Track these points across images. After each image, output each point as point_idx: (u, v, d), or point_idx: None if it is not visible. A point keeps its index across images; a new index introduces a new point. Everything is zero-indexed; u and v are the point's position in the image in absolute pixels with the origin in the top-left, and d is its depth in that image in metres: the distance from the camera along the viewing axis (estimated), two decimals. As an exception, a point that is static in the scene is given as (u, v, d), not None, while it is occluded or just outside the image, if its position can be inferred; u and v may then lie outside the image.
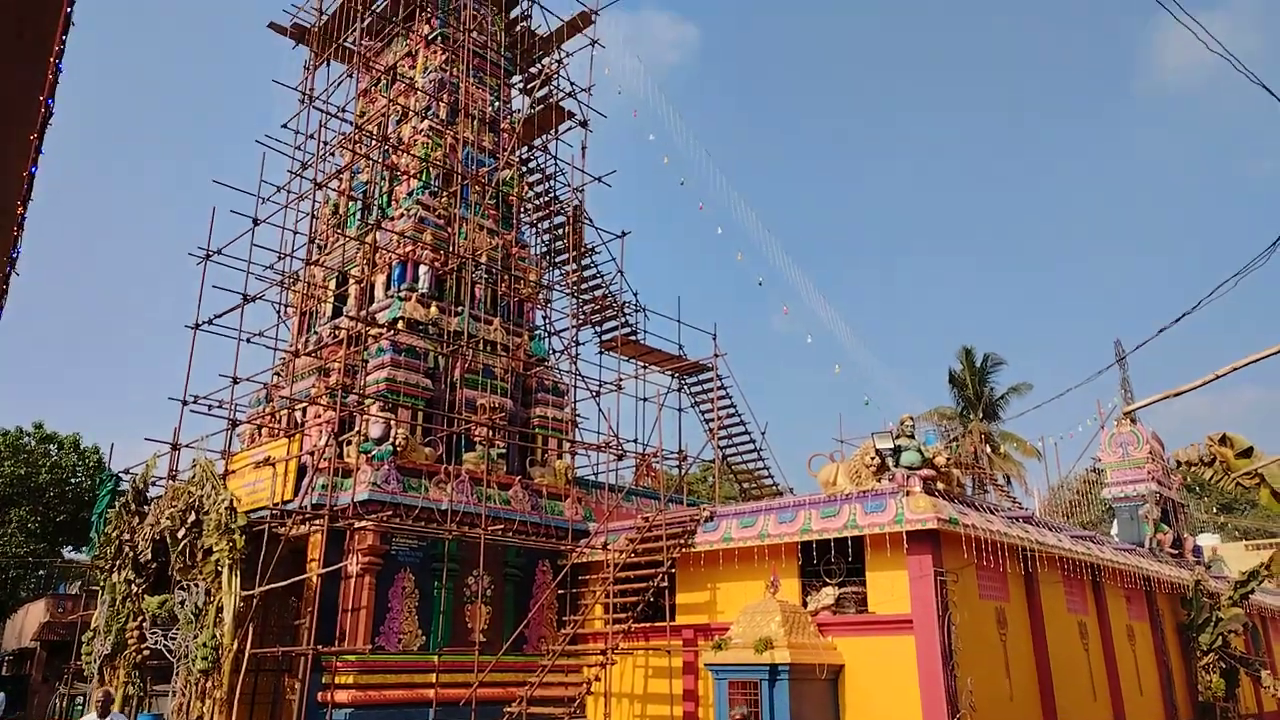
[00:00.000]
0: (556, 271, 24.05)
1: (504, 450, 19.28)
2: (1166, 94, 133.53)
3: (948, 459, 16.89)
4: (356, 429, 17.47)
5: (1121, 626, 20.29)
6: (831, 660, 14.92)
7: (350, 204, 22.60)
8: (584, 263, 23.45)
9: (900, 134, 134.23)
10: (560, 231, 23.89)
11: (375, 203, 22.07)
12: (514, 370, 20.14)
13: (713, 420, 23.08)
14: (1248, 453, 12.47)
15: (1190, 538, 27.09)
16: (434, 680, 15.38)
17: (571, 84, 23.92)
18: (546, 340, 22.84)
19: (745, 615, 15.15)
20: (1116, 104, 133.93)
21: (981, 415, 44.51)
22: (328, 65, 24.17)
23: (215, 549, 15.24)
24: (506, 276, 20.86)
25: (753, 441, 24.14)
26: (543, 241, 24.26)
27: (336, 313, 20.70)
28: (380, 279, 20.33)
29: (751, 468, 24.66)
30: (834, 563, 15.75)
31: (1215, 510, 44.54)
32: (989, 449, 38.51)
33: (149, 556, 17.11)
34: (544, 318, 23.24)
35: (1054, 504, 27.44)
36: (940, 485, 15.88)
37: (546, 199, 24.09)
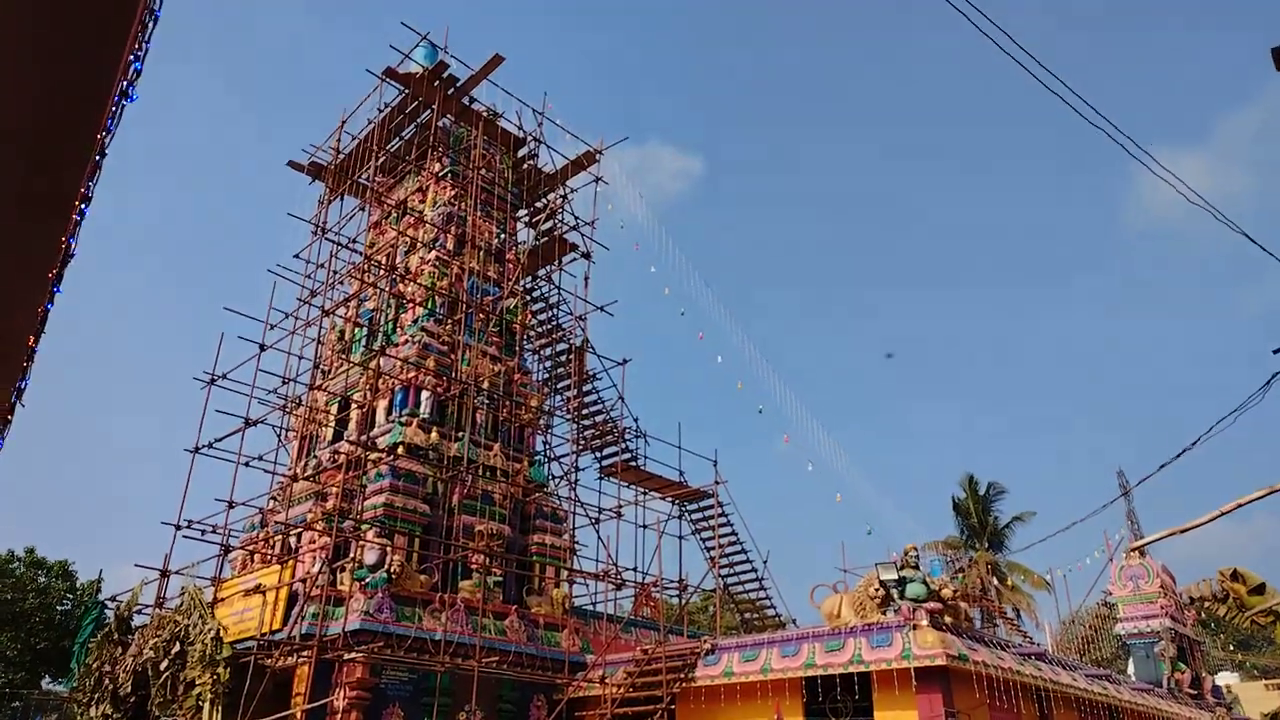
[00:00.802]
0: (558, 397, 24.24)
1: (501, 579, 18.90)
2: (1163, 226, 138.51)
3: (954, 591, 16.53)
4: (352, 555, 17.20)
5: (1146, 772, 19.31)
6: (840, 808, 14.15)
7: (356, 331, 23.01)
8: (585, 389, 23.67)
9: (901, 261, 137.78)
10: (562, 358, 24.22)
11: (381, 329, 22.48)
12: (513, 496, 19.99)
13: (713, 548, 22.72)
14: (1260, 589, 12.23)
15: (1209, 676, 26.11)
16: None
17: (575, 218, 24.83)
18: (546, 466, 22.77)
19: (748, 757, 14.47)
20: (1113, 241, 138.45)
21: (987, 545, 43.70)
22: (341, 200, 25.15)
23: (198, 682, 14.73)
24: (508, 402, 21.02)
25: (754, 570, 23.69)
26: (545, 368, 24.58)
27: (337, 437, 20.74)
28: (382, 404, 20.47)
29: (753, 597, 24.09)
30: (840, 699, 15.16)
31: (1232, 647, 43.08)
32: (996, 580, 37.62)
33: (129, 689, 16.49)
34: (544, 443, 23.26)
35: (1066, 639, 26.62)
36: (948, 619, 15.48)
37: (549, 327, 24.56)
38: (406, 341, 20.93)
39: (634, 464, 22.76)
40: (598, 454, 23.37)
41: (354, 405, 20.99)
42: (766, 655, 16.07)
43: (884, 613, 15.49)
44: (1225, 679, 32.73)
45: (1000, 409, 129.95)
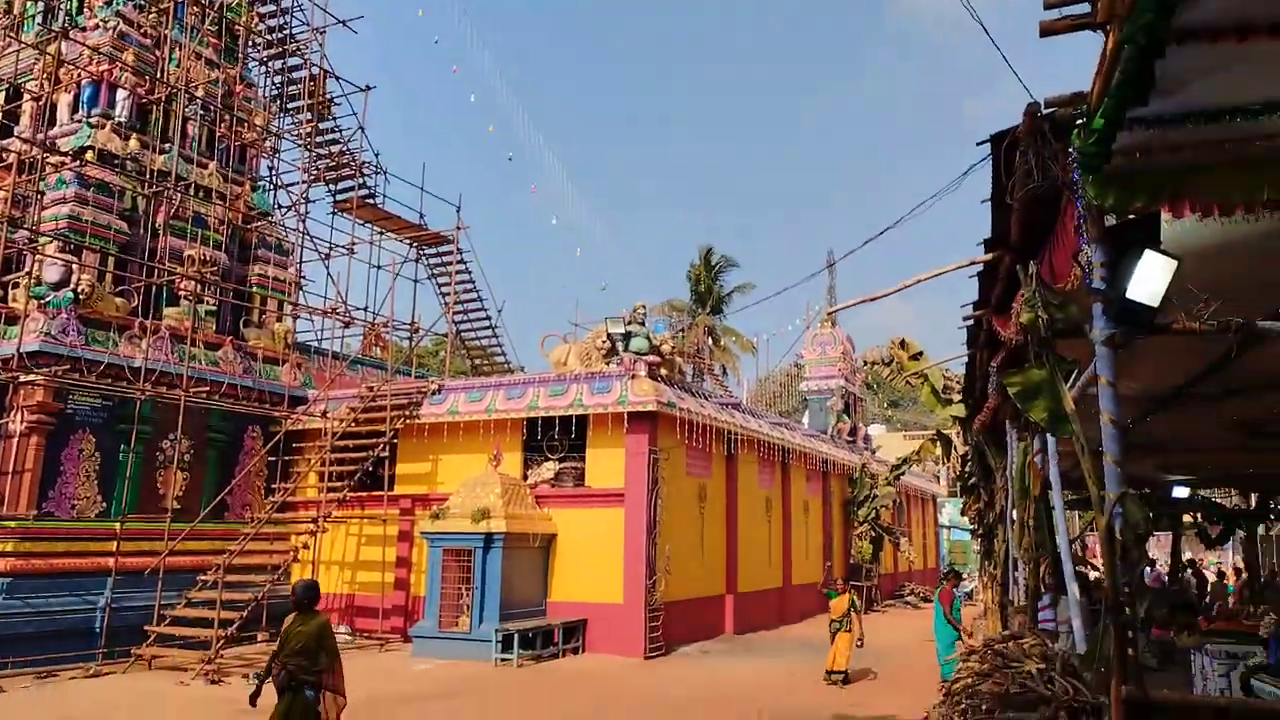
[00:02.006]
0: (288, 119, 21.87)
1: (214, 308, 17.66)
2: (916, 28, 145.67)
3: (673, 348, 17.94)
4: (27, 270, 15.14)
5: (800, 501, 23.12)
6: (546, 529, 15.67)
7: (29, 3, 18.88)
8: (321, 114, 21.48)
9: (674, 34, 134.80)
10: (295, 75, 21.61)
11: (62, 6, 18.60)
12: (231, 222, 18.29)
13: (449, 294, 22.62)
14: (918, 356, 14.53)
15: (864, 427, 31.17)
16: (115, 549, 14.21)
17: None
18: (272, 193, 20.92)
19: (465, 487, 15.40)
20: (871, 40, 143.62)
21: (709, 310, 47.53)
22: None
23: None
24: (227, 116, 18.64)
25: (489, 319, 24.06)
26: (274, 83, 21.84)
27: (4, 133, 17.45)
28: (65, 99, 17.34)
29: (485, 345, 24.65)
30: (557, 439, 16.35)
31: (886, 405, 51.34)
32: (711, 341, 41.34)
33: None
34: (270, 168, 21.21)
35: (760, 394, 30.26)
36: (664, 371, 16.87)
37: (281, 36, 21.56)
38: (98, 27, 17.52)
39: (371, 201, 21.52)
40: (332, 187, 21.77)
41: (27, 95, 17.62)
42: (492, 397, 16.74)
43: (608, 363, 16.55)
44: (875, 430, 39.33)
45: (749, 200, 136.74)
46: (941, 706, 9.06)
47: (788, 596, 21.38)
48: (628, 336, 16.57)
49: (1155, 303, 4.81)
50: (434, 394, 17.26)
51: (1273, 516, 19.56)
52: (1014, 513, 10.86)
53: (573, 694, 11.57)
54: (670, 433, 15.91)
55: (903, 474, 24.00)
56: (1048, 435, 7.41)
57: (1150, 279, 4.78)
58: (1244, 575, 18.00)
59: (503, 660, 13.74)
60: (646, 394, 15.33)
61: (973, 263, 7.14)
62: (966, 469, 14.29)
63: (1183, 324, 4.99)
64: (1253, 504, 18.17)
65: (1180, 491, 18.01)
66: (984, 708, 5.76)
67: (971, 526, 15.02)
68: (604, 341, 16.69)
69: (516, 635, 13.86)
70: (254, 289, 18.56)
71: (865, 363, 14.93)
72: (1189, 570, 19.84)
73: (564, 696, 11.41)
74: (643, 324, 17.17)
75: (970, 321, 9.16)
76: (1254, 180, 4.48)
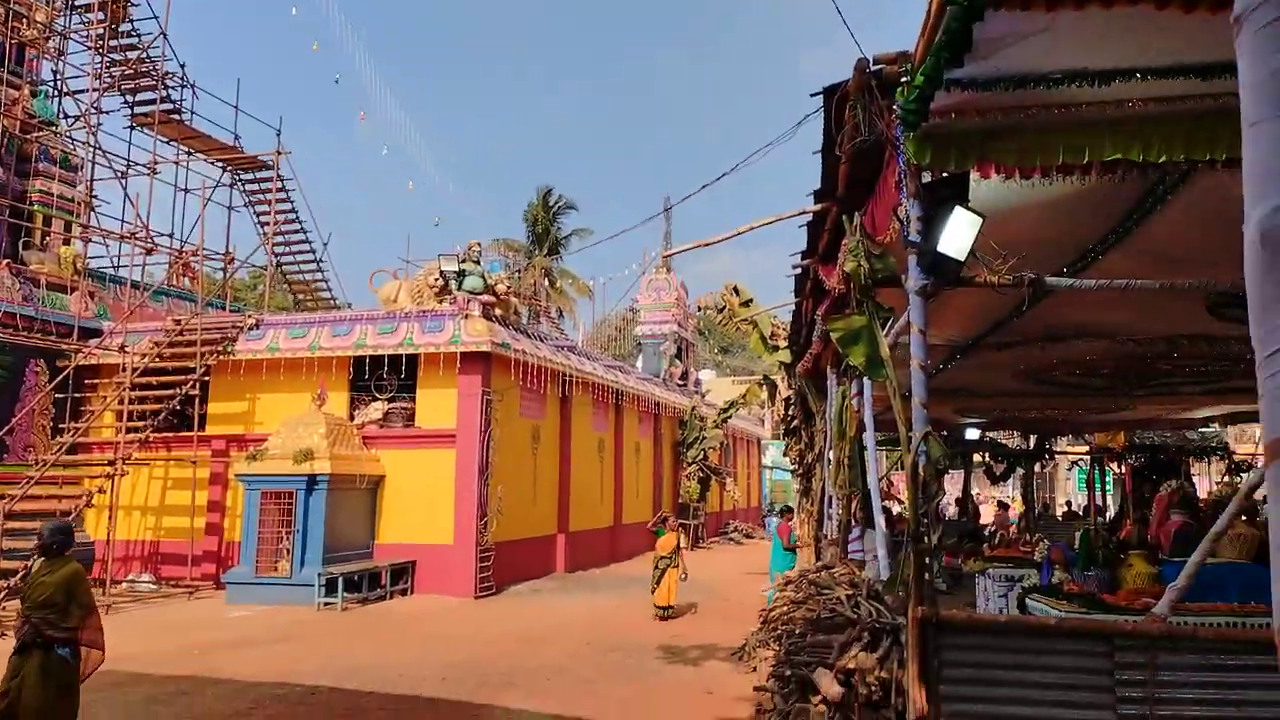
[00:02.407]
0: (75, 17, 19.44)
1: (-12, 227, 15.69)
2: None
3: (509, 288, 17.65)
4: None
5: (632, 443, 23.64)
6: (373, 471, 15.22)
7: None
8: (115, 14, 19.21)
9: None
10: (82, -35, 19.17)
11: None
12: (7, 130, 16.19)
13: (269, 223, 21.14)
14: (749, 303, 15.04)
15: (695, 372, 32.11)
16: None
17: None
18: (56, 101, 18.67)
19: (286, 427, 14.65)
20: None
21: (546, 252, 47.05)
22: None
23: None
24: (2, 9, 16.35)
25: (313, 252, 22.73)
26: (56, -27, 19.29)
27: None
28: None
29: (309, 279, 23.30)
30: (386, 379, 15.80)
31: (716, 351, 53.09)
32: (548, 284, 41.06)
33: None
34: (55, 73, 18.89)
35: (596, 338, 30.47)
36: (498, 311, 16.59)
37: (64, -83, 19.00)
38: None
39: (176, 117, 19.63)
40: (129, 98, 19.66)
41: None
42: (317, 334, 15.92)
43: (440, 301, 16.08)
44: (706, 375, 40.63)
45: (590, 143, 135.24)
46: (759, 633, 9.64)
47: (619, 535, 21.92)
48: (462, 274, 16.15)
49: (962, 257, 5.16)
50: (251, 329, 16.19)
51: (1047, 456, 21.90)
52: (831, 453, 11.58)
53: (399, 635, 11.41)
54: (504, 374, 15.74)
55: (730, 417, 24.91)
56: (864, 379, 7.89)
57: (958, 234, 5.11)
58: (1022, 508, 20.08)
59: (326, 604, 13.33)
60: (480, 334, 15.05)
61: (803, 212, 7.39)
62: (790, 413, 15.04)
63: (984, 278, 5.38)
64: (1031, 445, 20.22)
65: (972, 433, 19.80)
66: (798, 632, 6.16)
67: (792, 467, 15.88)
68: (437, 279, 16.20)
69: (341, 578, 13.47)
70: (35, 206, 16.60)
71: (699, 308, 15.29)
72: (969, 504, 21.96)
73: (390, 638, 11.23)
74: (478, 262, 16.77)
75: (798, 270, 9.54)
76: (1051, 146, 4.85)
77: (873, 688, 5.07)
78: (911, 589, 4.81)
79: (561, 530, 18.68)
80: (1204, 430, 15.97)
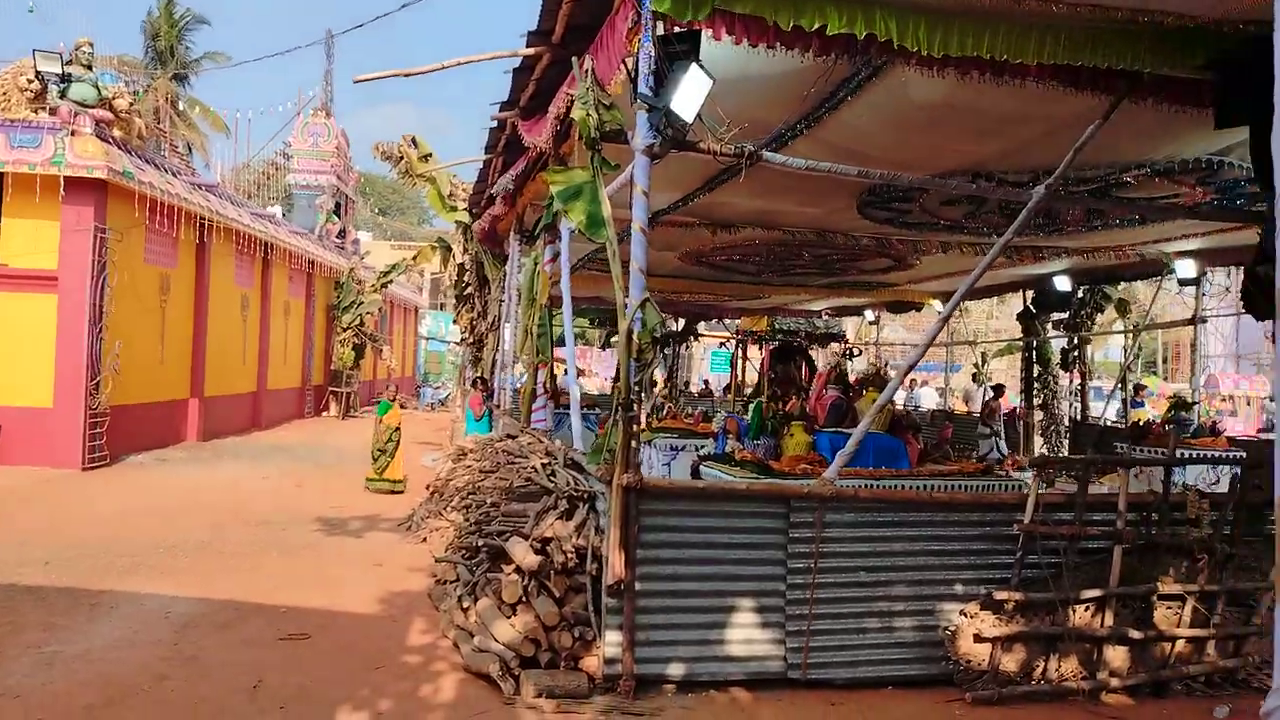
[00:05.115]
0: None
1: None
2: None
3: (131, 104, 14.66)
4: None
5: (281, 303, 21.50)
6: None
7: None
8: None
9: None
10: None
11: None
12: None
13: None
14: (428, 158, 13.97)
15: (354, 231, 29.90)
16: None
17: None
18: None
19: None
20: None
21: (172, 76, 40.16)
22: None
23: None
24: None
25: None
26: None
27: None
28: None
29: None
30: (-46, 201, 12.45)
31: (376, 211, 49.98)
32: (174, 112, 35.23)
33: None
34: None
35: (238, 182, 26.81)
36: (117, 133, 13.74)
37: None
38: None
39: None
40: None
41: None
42: None
43: (36, 111, 12.90)
44: (364, 237, 38.07)
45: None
46: (428, 503, 9.30)
47: (263, 401, 20.08)
48: (67, 79, 13.02)
49: (690, 118, 4.98)
50: None
51: (694, 337, 23.80)
52: (507, 323, 11.32)
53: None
54: (126, 209, 13.19)
55: (391, 281, 23.67)
56: (560, 244, 7.61)
57: (690, 95, 4.90)
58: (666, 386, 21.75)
59: None
60: (93, 157, 12.37)
61: (514, 54, 6.75)
62: (465, 279, 14.46)
63: (708, 145, 5.27)
64: (681, 327, 21.80)
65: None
66: (489, 501, 5.92)
67: (463, 335, 15.40)
68: (31, 80, 12.93)
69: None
70: None
71: (380, 153, 13.81)
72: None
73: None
74: (89, 67, 13.63)
75: (494, 124, 8.88)
76: (785, 6, 4.74)
77: (568, 555, 5.00)
78: (619, 457, 4.74)
79: (195, 394, 16.58)
80: (830, 320, 18.34)
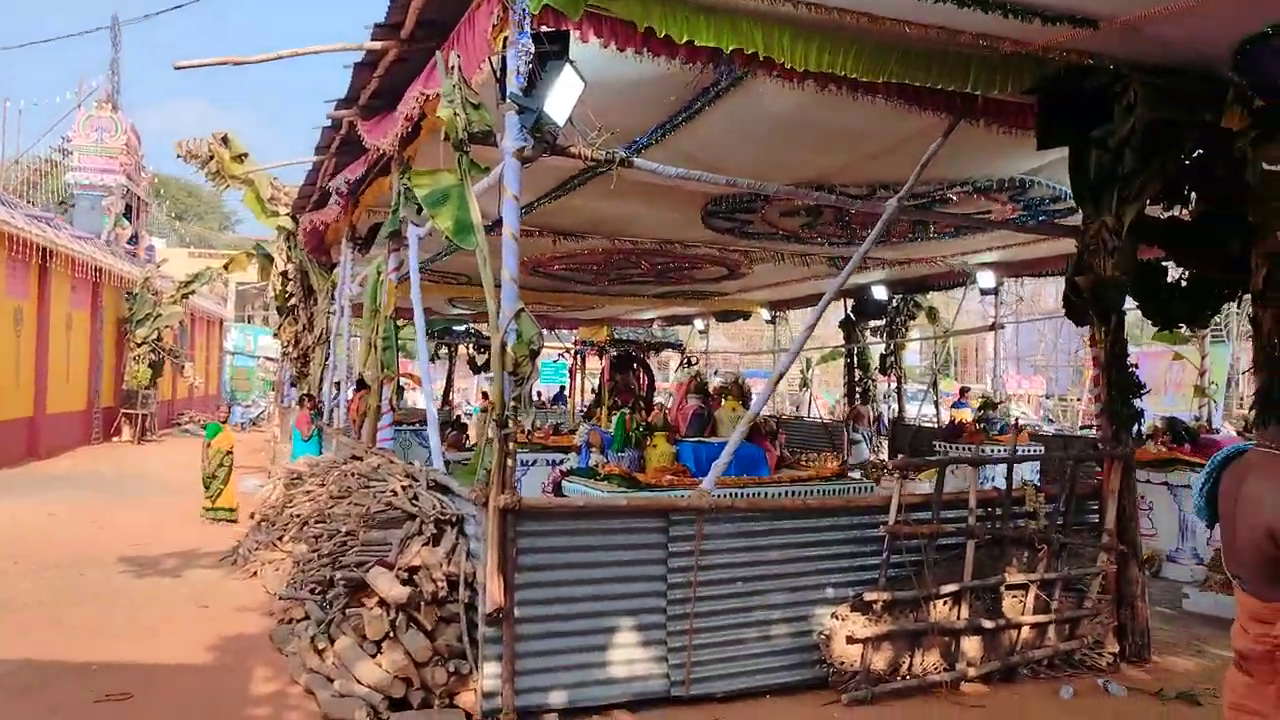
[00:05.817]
0: None
1: None
2: None
3: None
4: None
5: (62, 315, 19.21)
6: None
7: None
8: None
9: None
10: None
11: None
12: None
13: None
14: (243, 158, 12.85)
15: (148, 236, 27.28)
16: None
17: None
18: None
19: None
20: None
21: (-82, 57, 35.20)
22: None
23: None
24: None
25: None
26: None
27: None
28: None
29: None
30: None
31: (172, 216, 45.94)
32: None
33: None
34: None
35: (7, 180, 23.75)
36: None
37: None
38: None
39: None
40: None
41: None
42: None
43: None
44: (158, 244, 34.80)
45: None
46: (256, 533, 8.50)
47: (42, 426, 17.82)
48: None
49: (562, 121, 4.79)
50: None
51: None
52: (331, 339, 10.61)
53: None
54: None
55: (194, 292, 21.75)
56: (408, 253, 7.18)
57: (563, 97, 4.72)
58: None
59: None
60: None
61: (360, 48, 6.30)
62: (288, 289, 13.39)
63: (579, 150, 5.11)
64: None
65: (460, 326, 20.19)
66: (344, 530, 5.42)
67: (285, 349, 14.27)
68: None
69: None
70: None
71: (184, 154, 12.50)
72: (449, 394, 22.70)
73: None
74: None
75: (329, 123, 8.28)
76: (656, 13, 4.68)
77: (439, 583, 4.66)
78: (494, 477, 4.46)
79: (-44, 422, 14.46)
80: (665, 329, 18.57)
